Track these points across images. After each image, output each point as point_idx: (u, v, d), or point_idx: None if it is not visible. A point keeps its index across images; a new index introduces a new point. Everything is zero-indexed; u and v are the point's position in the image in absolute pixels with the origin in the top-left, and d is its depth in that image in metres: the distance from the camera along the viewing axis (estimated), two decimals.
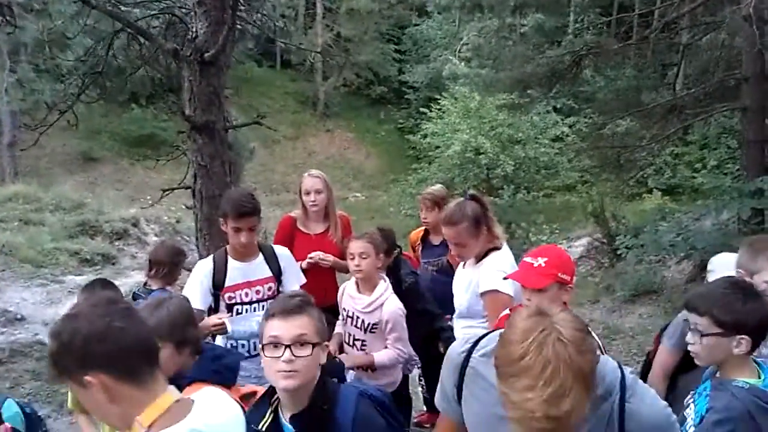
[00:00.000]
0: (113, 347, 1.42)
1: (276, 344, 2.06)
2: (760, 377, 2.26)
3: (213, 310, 3.66)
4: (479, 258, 3.46)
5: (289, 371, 2.03)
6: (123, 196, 18.10)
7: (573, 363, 1.44)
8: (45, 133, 6.66)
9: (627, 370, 1.83)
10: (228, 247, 3.72)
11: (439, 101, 19.34)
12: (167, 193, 6.19)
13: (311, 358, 2.08)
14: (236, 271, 3.67)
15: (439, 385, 2.14)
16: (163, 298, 2.68)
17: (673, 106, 10.50)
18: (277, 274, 3.75)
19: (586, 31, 18.99)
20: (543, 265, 2.83)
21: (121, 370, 1.43)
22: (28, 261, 9.33)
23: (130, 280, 8.56)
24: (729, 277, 2.55)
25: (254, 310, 3.71)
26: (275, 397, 2.18)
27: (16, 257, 9.33)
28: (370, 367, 3.68)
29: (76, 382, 1.45)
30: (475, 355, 1.98)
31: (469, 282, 3.48)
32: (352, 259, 3.66)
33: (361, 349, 3.74)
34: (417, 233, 5.06)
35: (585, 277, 10.72)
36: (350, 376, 3.73)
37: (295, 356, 2.04)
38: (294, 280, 3.83)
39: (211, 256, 3.79)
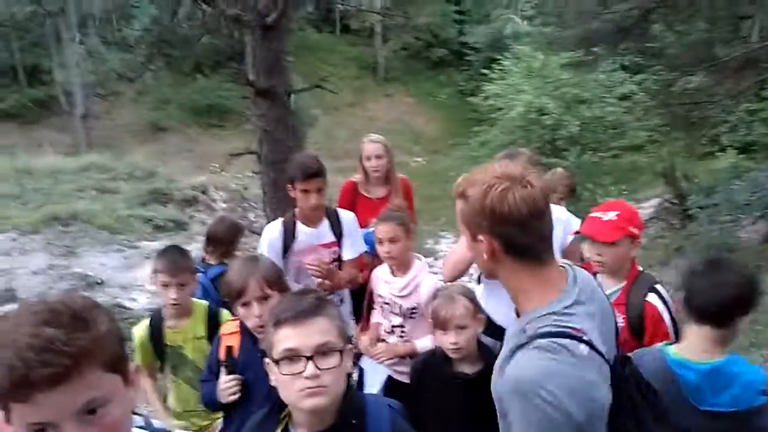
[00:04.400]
0: None
1: (293, 357, 1.74)
2: None
3: None
4: None
5: (315, 387, 1.71)
6: (191, 164, 18.55)
7: None
8: (115, 104, 6.89)
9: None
10: (296, 211, 3.75)
11: (501, 62, 18.90)
12: (234, 158, 6.33)
13: (339, 369, 1.76)
14: (304, 236, 3.72)
15: None
16: (255, 254, 2.83)
17: (748, 60, 9.97)
18: (339, 238, 3.78)
19: None
20: (614, 218, 2.80)
21: None
22: (105, 228, 9.74)
23: (200, 245, 8.84)
24: None
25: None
26: (285, 413, 1.86)
27: (93, 224, 9.75)
28: (412, 357, 3.30)
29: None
30: None
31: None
32: (381, 244, 3.37)
33: (401, 337, 3.43)
34: None
35: (654, 239, 10.45)
36: (386, 369, 3.43)
37: (320, 369, 1.72)
38: (352, 247, 3.81)
39: (280, 220, 3.83)
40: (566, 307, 1.66)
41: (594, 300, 1.75)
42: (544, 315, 1.65)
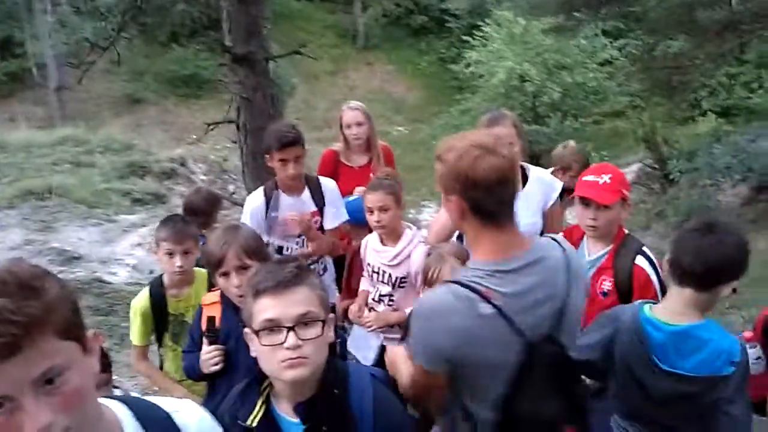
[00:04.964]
0: None
1: (274, 328, 1.71)
2: None
3: None
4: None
5: (296, 358, 1.69)
6: (169, 136, 18.29)
7: None
8: (90, 76, 6.74)
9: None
10: (277, 180, 3.71)
11: (482, 28, 18.74)
12: (212, 127, 6.22)
13: (321, 339, 1.74)
14: (286, 204, 3.67)
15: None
16: (237, 223, 2.78)
17: (728, 23, 9.95)
18: (321, 207, 3.74)
19: None
20: (609, 181, 2.79)
21: None
22: (82, 202, 9.59)
23: None
24: None
25: (302, 243, 3.75)
26: (266, 384, 1.84)
27: (70, 198, 9.60)
28: (401, 326, 3.26)
29: None
30: None
31: None
32: (371, 213, 3.32)
33: (389, 306, 3.40)
34: None
35: (636, 204, 10.49)
36: (378, 337, 3.42)
37: (302, 340, 1.69)
38: (334, 216, 3.77)
39: (261, 189, 3.77)
40: (497, 271, 1.85)
41: (545, 282, 1.89)
42: (476, 269, 1.89)
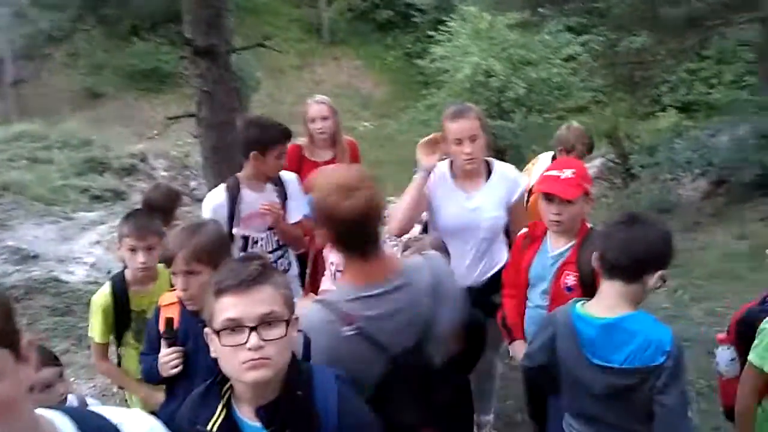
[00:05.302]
0: None
1: (236, 328, 1.64)
2: None
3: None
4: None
5: (258, 359, 1.62)
6: (129, 132, 17.93)
7: None
8: (48, 69, 6.56)
9: None
10: (240, 175, 3.62)
11: (448, 23, 18.77)
12: (172, 121, 6.07)
13: (284, 340, 1.68)
14: (250, 201, 3.59)
15: None
16: (200, 222, 2.71)
17: (690, 19, 10.11)
18: (283, 201, 3.67)
19: None
20: (571, 176, 2.79)
21: None
22: (39, 199, 9.35)
23: None
24: None
25: (267, 240, 3.68)
26: (227, 386, 1.76)
27: (26, 195, 9.34)
28: None
29: None
30: None
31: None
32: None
33: None
34: None
35: (598, 198, 10.62)
36: None
37: (264, 340, 1.63)
38: (296, 209, 3.65)
39: (222, 186, 3.67)
40: (360, 297, 2.07)
41: (409, 304, 2.10)
42: (342, 291, 2.13)
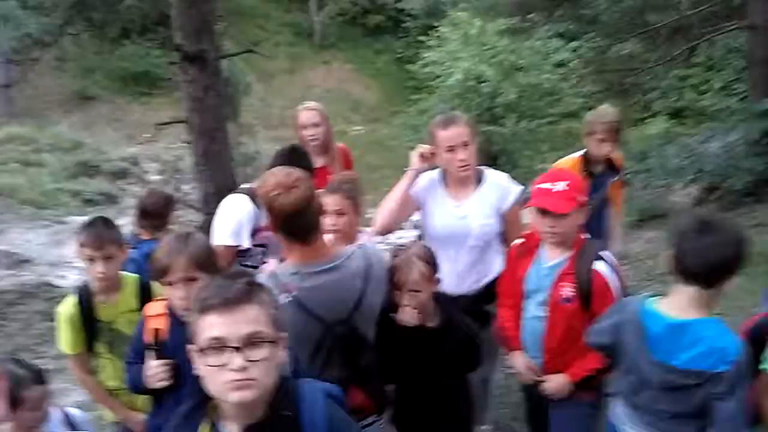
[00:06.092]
0: None
1: (220, 347, 1.58)
2: None
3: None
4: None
5: (243, 380, 1.57)
6: (121, 135, 17.85)
7: None
8: (38, 72, 6.53)
9: None
10: (251, 186, 3.63)
11: (439, 28, 18.82)
12: (162, 127, 6.08)
13: (270, 361, 1.63)
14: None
15: None
16: (188, 232, 2.75)
17: (679, 26, 10.19)
18: None
19: None
20: (566, 189, 2.76)
21: None
22: (30, 203, 9.30)
23: (132, 219, 8.54)
24: None
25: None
26: (212, 406, 1.72)
27: (17, 199, 9.29)
28: None
29: None
30: None
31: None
32: (325, 216, 3.15)
33: None
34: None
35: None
36: None
37: (249, 361, 1.57)
38: None
39: (245, 196, 3.64)
40: (298, 273, 2.52)
41: (341, 282, 2.55)
42: (284, 268, 2.58)
